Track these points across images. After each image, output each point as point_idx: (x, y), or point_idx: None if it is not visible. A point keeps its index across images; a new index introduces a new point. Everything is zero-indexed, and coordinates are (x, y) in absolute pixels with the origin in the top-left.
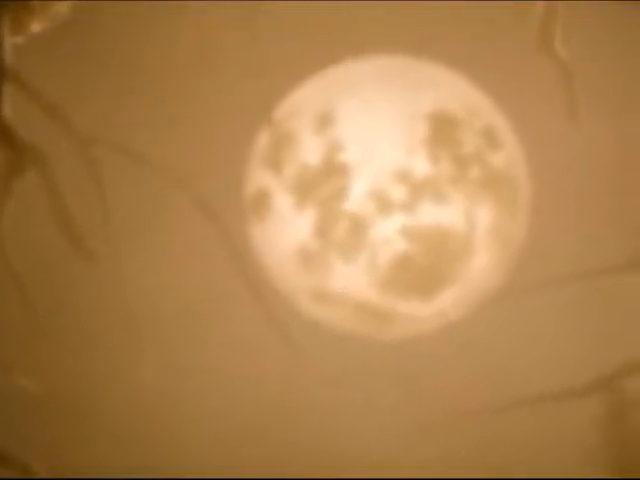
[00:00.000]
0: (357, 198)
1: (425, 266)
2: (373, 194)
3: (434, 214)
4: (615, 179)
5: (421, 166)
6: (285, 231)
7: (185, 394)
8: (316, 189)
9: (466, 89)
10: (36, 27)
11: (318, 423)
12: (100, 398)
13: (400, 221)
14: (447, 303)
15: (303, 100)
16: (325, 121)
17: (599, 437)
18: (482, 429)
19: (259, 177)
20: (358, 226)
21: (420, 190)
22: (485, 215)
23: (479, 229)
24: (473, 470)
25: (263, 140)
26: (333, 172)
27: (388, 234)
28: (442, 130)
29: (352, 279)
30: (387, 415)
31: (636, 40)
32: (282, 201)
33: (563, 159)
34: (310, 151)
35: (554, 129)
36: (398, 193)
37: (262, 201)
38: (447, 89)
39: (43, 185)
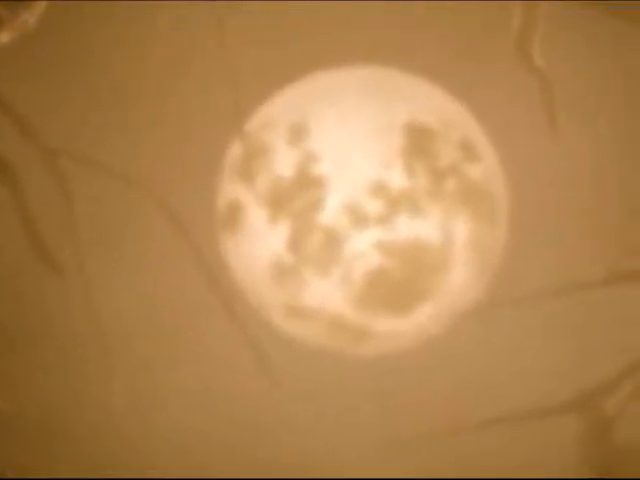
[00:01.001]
0: (332, 211)
1: (401, 280)
2: (348, 207)
3: (410, 227)
4: (595, 192)
5: (397, 179)
6: (258, 245)
7: (156, 410)
8: (290, 202)
9: (442, 100)
10: (4, 37)
11: (292, 440)
12: (70, 416)
13: (376, 235)
14: (424, 318)
15: (276, 111)
16: (299, 132)
17: (580, 455)
18: (460, 446)
19: (231, 189)
20: (333, 240)
21: (396, 203)
22: (462, 228)
23: (456, 243)
24: None
25: (235, 152)
26: (307, 185)
27: (363, 248)
28: (418, 142)
29: (327, 294)
30: (362, 432)
31: (617, 51)
32: (255, 214)
33: (542, 171)
34: (284, 163)
35: (533, 141)
36: (374, 206)
37: (235, 214)
38: (423, 100)
39: (11, 198)
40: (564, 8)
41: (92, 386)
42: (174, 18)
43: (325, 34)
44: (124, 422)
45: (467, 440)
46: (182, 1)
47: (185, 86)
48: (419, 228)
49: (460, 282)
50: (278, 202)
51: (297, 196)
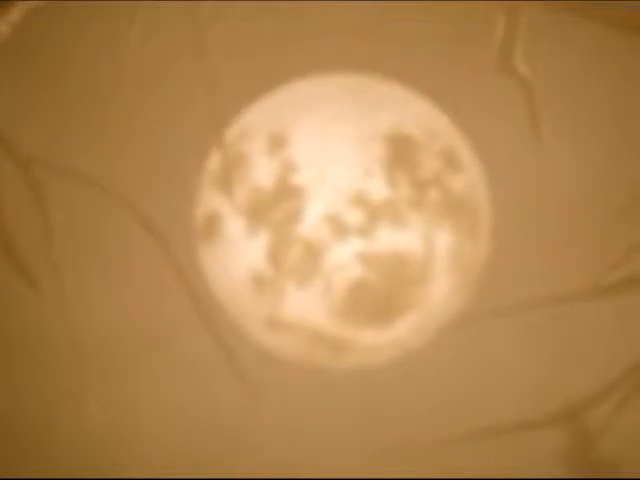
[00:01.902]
0: (312, 222)
1: (382, 292)
2: (328, 218)
3: (391, 238)
4: (578, 203)
5: (378, 189)
6: (237, 256)
7: (132, 424)
8: (269, 212)
9: (425, 110)
10: None
11: (271, 453)
12: (44, 430)
13: (356, 246)
14: (405, 330)
15: (255, 120)
16: (278, 142)
17: (563, 469)
18: (441, 460)
19: (209, 200)
20: (313, 251)
21: (377, 214)
22: (444, 240)
23: (438, 254)
24: None
25: (214, 162)
26: (286, 195)
27: (344, 259)
28: (400, 152)
29: (306, 306)
30: (343, 445)
31: (601, 59)
32: (233, 225)
33: (525, 182)
34: (263, 173)
35: (516, 151)
36: (354, 217)
37: (213, 225)
38: (405, 109)
39: None
40: (547, 17)
41: (67, 400)
42: (151, 26)
43: (305, 42)
44: (99, 436)
45: (449, 453)
46: (159, 9)
47: (162, 95)
48: (400, 239)
49: (442, 294)
50: (257, 213)
51: (276, 206)
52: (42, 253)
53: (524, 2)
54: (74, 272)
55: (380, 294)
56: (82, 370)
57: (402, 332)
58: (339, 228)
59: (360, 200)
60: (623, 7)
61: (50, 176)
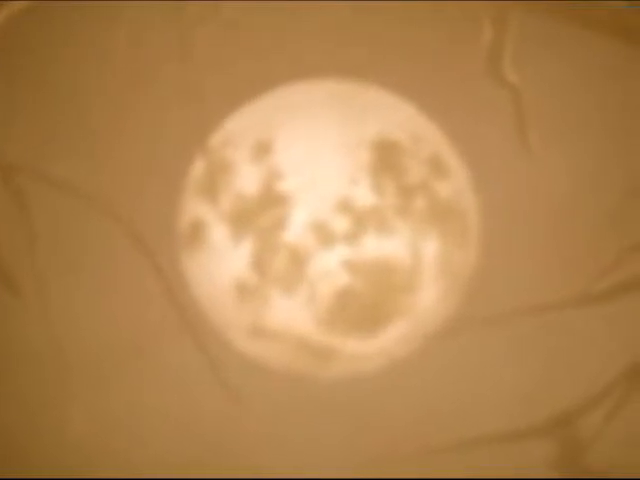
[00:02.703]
0: (297, 229)
1: (369, 300)
2: (314, 225)
3: (378, 246)
4: (567, 210)
5: (364, 196)
6: (221, 263)
7: (116, 433)
8: (254, 220)
9: (412, 116)
10: None
11: (256, 462)
12: (27, 440)
13: (343, 253)
14: (392, 339)
15: (240, 127)
16: (263, 149)
17: (553, 478)
18: (429, 470)
19: (194, 207)
20: (298, 258)
21: (363, 221)
22: (432, 247)
23: (426, 261)
24: None
25: (198, 169)
26: (271, 202)
27: (330, 267)
28: (386, 158)
29: (291, 314)
30: (328, 454)
31: (590, 66)
32: (218, 232)
33: (513, 189)
34: (247, 180)
35: (504, 158)
36: (340, 224)
37: (197, 232)
38: (391, 115)
39: None
40: (535, 21)
41: (51, 409)
42: (136, 33)
43: (291, 48)
44: (83, 445)
45: (436, 462)
46: (146, 10)
47: (147, 102)
48: (387, 247)
49: (430, 302)
50: (242, 220)
51: (261, 213)
52: (26, 262)
53: (512, 6)
54: (58, 281)
55: (367, 302)
56: (66, 379)
57: (389, 340)
58: (325, 235)
59: (346, 207)
60: (610, 7)
61: (34, 184)
